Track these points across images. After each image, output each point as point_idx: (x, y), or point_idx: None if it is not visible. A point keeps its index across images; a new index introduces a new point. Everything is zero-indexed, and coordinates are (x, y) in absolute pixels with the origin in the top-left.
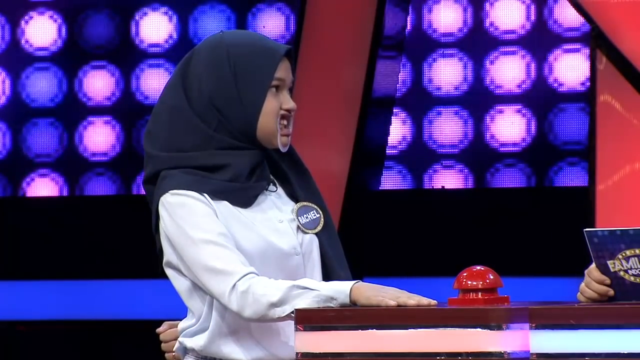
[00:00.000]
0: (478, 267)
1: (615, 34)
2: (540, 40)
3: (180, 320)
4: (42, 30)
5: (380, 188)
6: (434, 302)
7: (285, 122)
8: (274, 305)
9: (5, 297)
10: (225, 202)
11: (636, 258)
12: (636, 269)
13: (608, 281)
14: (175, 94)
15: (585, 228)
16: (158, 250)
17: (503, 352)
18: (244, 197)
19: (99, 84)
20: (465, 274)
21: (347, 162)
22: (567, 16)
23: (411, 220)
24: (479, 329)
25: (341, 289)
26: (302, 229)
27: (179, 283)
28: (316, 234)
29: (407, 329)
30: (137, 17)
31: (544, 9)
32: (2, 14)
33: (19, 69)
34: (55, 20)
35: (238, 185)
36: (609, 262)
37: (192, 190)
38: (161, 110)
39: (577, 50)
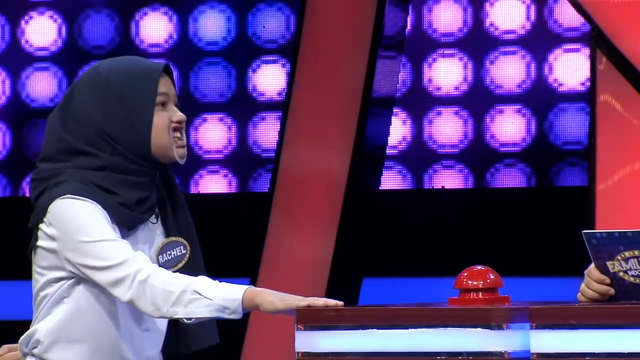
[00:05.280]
0: (478, 267)
1: (615, 34)
2: (540, 40)
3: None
4: (42, 30)
5: (380, 188)
6: (332, 302)
7: (178, 134)
8: (168, 303)
9: (5, 297)
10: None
11: (635, 259)
12: (636, 269)
13: (608, 280)
14: (57, 128)
15: (585, 228)
16: (30, 248)
17: (503, 352)
18: (128, 222)
19: None
20: (465, 274)
21: (347, 162)
22: (567, 16)
23: (411, 220)
24: (479, 329)
25: (233, 298)
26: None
27: (43, 280)
28: (177, 270)
29: (407, 329)
30: (137, 17)
31: (544, 9)
32: (2, 14)
33: (19, 69)
34: (55, 20)
35: (126, 210)
36: (608, 263)
37: (86, 197)
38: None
39: (577, 50)
